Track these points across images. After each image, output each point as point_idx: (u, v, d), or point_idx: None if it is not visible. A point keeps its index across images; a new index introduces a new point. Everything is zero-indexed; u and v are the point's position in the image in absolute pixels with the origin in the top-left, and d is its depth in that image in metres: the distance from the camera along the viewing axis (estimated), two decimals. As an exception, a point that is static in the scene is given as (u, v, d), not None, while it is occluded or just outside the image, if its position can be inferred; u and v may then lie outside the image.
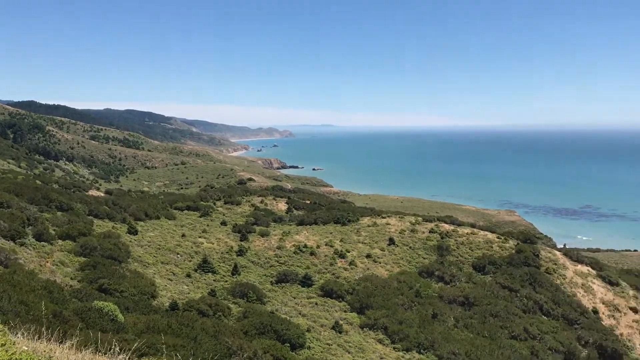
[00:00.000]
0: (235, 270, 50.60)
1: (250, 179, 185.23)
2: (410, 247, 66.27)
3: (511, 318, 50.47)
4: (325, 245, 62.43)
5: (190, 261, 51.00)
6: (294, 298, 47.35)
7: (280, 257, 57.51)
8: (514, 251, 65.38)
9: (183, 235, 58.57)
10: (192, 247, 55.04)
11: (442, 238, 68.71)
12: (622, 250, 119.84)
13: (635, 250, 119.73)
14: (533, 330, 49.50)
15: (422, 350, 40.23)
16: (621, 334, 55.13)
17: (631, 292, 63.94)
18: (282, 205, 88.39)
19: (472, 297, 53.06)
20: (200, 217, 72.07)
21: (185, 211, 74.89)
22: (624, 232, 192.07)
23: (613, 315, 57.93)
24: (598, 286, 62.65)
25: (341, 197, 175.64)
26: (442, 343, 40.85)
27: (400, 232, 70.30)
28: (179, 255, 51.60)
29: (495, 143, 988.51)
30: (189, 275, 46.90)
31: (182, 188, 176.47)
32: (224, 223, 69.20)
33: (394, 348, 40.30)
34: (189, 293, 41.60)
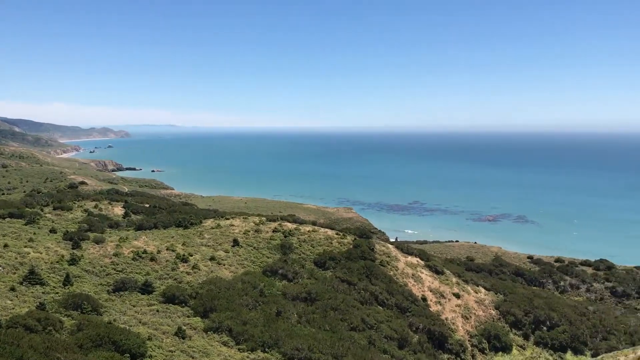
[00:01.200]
0: (67, 281, 47.11)
1: (82, 183, 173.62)
2: (254, 248, 66.67)
3: (350, 310, 52.97)
4: (167, 249, 60.54)
5: (14, 273, 46.51)
6: (134, 306, 45.30)
7: (117, 264, 54.63)
8: (351, 246, 68.69)
9: (5, 246, 53.22)
10: (16, 258, 50.21)
11: (285, 237, 70.06)
12: (446, 242, 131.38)
13: (457, 241, 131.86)
14: (370, 321, 52.44)
15: (266, 349, 40.73)
16: (446, 318, 60.50)
17: (454, 280, 70.46)
18: (118, 210, 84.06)
19: (314, 292, 54.80)
20: (25, 224, 65.98)
21: (8, 219, 68.13)
22: (447, 225, 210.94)
23: (439, 302, 63.37)
24: (426, 275, 68.11)
25: (183, 200, 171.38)
26: (286, 340, 41.70)
27: (244, 233, 70.42)
28: (1, 268, 46.82)
29: (334, 144, 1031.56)
30: (13, 289, 42.75)
31: (3, 194, 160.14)
32: (53, 230, 64.06)
33: (239, 349, 40.33)
34: (13, 308, 37.96)
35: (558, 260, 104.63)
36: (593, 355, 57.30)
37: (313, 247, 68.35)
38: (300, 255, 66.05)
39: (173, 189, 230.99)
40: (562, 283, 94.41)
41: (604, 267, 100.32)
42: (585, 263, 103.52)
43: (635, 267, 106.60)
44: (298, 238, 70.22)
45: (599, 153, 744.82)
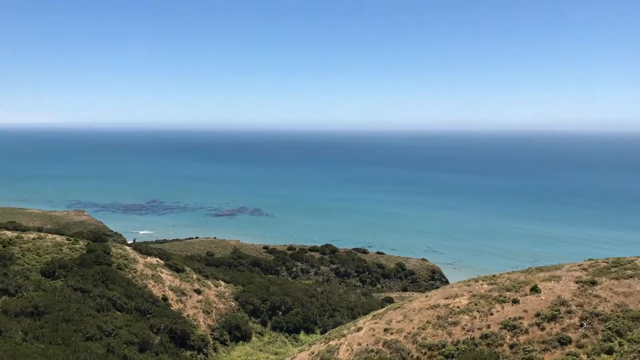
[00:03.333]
0: None
1: None
2: (-37, 262, 57.74)
3: (85, 320, 49.61)
4: None
5: None
6: None
7: None
8: (84, 252, 64.25)
9: None
10: None
11: (4, 247, 62.23)
12: (187, 239, 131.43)
13: (197, 237, 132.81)
14: (107, 327, 49.85)
15: (-15, 376, 35.88)
16: (188, 315, 60.70)
17: (195, 276, 70.97)
18: None
19: (42, 305, 49.88)
20: None
21: None
22: (187, 221, 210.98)
23: (180, 300, 63.22)
24: (167, 275, 67.29)
25: None
26: (10, 362, 37.28)
27: (-51, 246, 60.46)
28: None
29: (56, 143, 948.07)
30: None
31: None
32: None
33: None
34: None
35: (290, 248, 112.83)
36: (322, 332, 63.42)
37: (39, 256, 62.05)
38: (24, 266, 59.41)
39: None
40: (294, 269, 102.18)
41: (329, 252, 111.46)
42: (314, 249, 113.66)
43: (354, 249, 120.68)
44: (20, 247, 63.03)
45: (320, 149, 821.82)
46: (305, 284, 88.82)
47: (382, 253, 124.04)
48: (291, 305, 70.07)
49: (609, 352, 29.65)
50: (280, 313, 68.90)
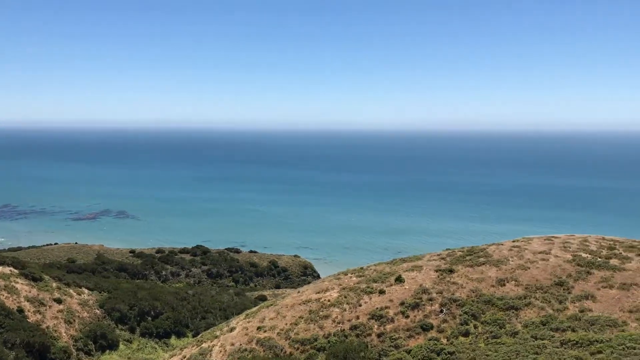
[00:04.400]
0: None
1: None
2: None
3: None
4: None
5: None
6: None
7: None
8: None
9: None
10: None
11: None
12: (44, 245, 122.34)
13: (56, 244, 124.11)
14: (-47, 347, 45.09)
15: None
16: (48, 327, 56.55)
17: (55, 285, 66.25)
18: None
19: None
20: None
21: None
22: (44, 227, 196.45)
23: (39, 310, 58.72)
24: (22, 285, 62.15)
25: None
26: None
27: None
28: None
29: None
30: None
31: None
32: None
33: None
34: None
35: (159, 251, 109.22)
36: (194, 335, 62.08)
37: None
38: None
39: None
40: (163, 272, 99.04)
41: (201, 253, 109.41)
42: (184, 250, 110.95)
43: (226, 249, 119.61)
44: None
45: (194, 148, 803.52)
46: (176, 287, 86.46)
47: (255, 252, 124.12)
48: (161, 310, 67.86)
49: (466, 334, 32.07)
50: (150, 318, 66.47)
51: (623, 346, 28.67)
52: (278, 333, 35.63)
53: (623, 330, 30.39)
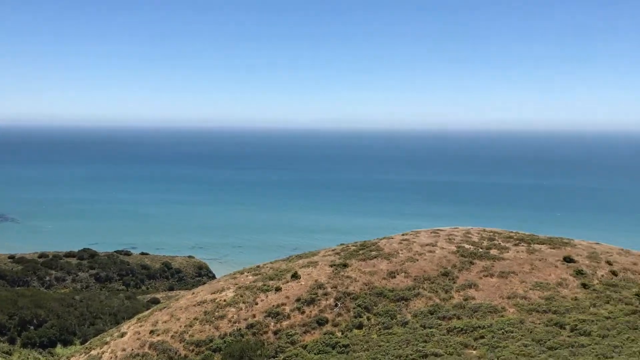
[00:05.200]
0: None
1: None
2: None
3: None
4: None
5: None
6: None
7: None
8: None
9: None
10: None
11: None
12: None
13: None
14: None
15: None
16: None
17: None
18: None
19: None
20: None
21: None
22: None
23: None
24: None
25: None
26: None
27: None
28: None
29: None
30: None
31: None
32: None
33: None
34: None
35: (42, 255, 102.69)
36: (82, 342, 58.99)
37: None
38: None
39: None
40: (47, 278, 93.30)
41: (88, 256, 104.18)
42: (70, 254, 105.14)
43: (116, 251, 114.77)
44: None
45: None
46: (61, 293, 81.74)
47: (146, 254, 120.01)
48: (45, 318, 63.85)
49: (359, 327, 33.01)
50: (32, 328, 62.34)
51: (502, 330, 30.84)
52: (172, 336, 34.75)
53: (502, 316, 32.66)
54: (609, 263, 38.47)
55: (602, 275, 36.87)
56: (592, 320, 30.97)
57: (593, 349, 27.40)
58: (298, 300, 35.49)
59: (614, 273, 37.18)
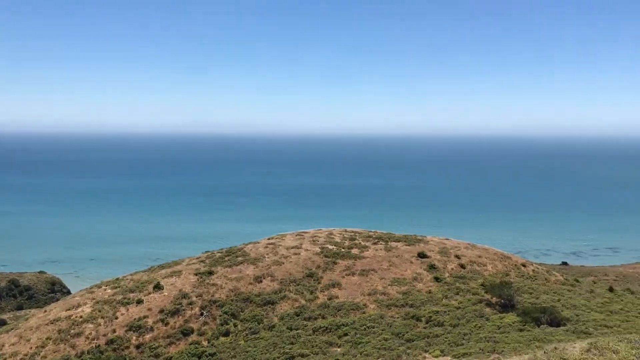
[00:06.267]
0: None
1: None
2: None
3: None
4: None
5: None
6: None
7: None
8: None
9: None
10: None
11: None
12: None
13: None
14: None
15: None
16: None
17: None
18: None
19: None
20: None
21: None
22: None
23: None
24: None
25: None
26: None
27: None
28: None
29: None
30: None
31: None
32: None
33: None
34: None
35: None
36: None
37: None
38: None
39: None
40: None
41: None
42: None
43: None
44: None
45: None
46: None
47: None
48: None
49: (226, 334, 32.67)
50: None
51: (364, 326, 32.17)
52: (21, 359, 31.99)
53: (364, 312, 34.07)
54: (457, 257, 41.71)
55: (452, 269, 39.89)
56: (445, 312, 33.37)
57: (446, 338, 29.52)
58: (161, 311, 34.34)
59: (462, 266, 40.41)
